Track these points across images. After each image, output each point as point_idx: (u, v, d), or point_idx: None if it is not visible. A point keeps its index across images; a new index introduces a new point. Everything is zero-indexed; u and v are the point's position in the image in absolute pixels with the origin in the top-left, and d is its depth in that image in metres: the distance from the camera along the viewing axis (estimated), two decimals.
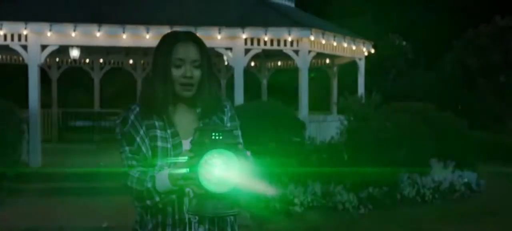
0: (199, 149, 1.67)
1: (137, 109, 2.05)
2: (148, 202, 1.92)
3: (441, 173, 9.65)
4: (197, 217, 1.95)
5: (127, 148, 2.02)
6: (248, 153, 2.01)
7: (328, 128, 11.15)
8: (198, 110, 2.08)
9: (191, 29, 10.00)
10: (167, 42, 2.03)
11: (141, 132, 2.01)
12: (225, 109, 2.15)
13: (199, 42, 2.04)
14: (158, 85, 2.00)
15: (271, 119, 8.49)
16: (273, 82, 17.87)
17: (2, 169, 8.55)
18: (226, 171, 1.62)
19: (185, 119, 2.08)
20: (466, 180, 9.76)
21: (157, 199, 1.90)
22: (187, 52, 2.00)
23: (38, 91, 10.16)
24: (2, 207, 7.90)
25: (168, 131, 2.02)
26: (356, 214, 8.09)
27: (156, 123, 2.02)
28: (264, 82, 16.63)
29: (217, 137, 1.66)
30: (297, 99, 11.21)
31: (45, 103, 13.88)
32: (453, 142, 10.70)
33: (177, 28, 9.88)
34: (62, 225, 6.83)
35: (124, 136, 2.03)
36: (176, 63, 1.99)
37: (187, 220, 1.98)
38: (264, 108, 9.02)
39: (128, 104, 2.12)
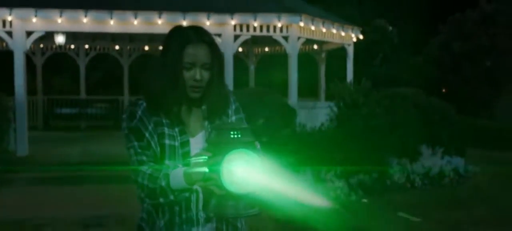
0: (218, 148, 1.62)
1: (144, 105, 1.99)
2: (161, 199, 1.89)
3: (431, 159, 9.70)
4: (204, 215, 1.93)
5: (136, 143, 1.96)
6: (258, 145, 1.98)
7: (318, 114, 11.15)
8: (204, 107, 2.04)
9: (179, 15, 9.91)
10: (177, 42, 1.96)
11: (150, 128, 1.97)
12: (230, 103, 2.12)
13: (210, 42, 1.98)
14: (168, 87, 1.95)
15: (262, 106, 8.44)
16: (260, 68, 17.82)
17: None
18: (248, 171, 1.57)
19: (191, 117, 2.05)
20: (454, 166, 9.81)
21: (172, 197, 1.87)
22: (198, 55, 1.94)
23: (24, 78, 10.00)
24: None
25: (176, 129, 1.99)
26: (347, 200, 8.10)
27: (164, 120, 1.99)
28: (252, 68, 16.58)
29: (235, 136, 1.61)
30: (284, 85, 11.18)
31: (30, 90, 13.69)
32: (441, 127, 10.76)
33: (166, 15, 9.84)
34: (54, 216, 6.74)
35: (132, 131, 1.97)
36: (186, 66, 1.94)
37: (194, 218, 1.97)
38: (255, 95, 8.96)
39: (133, 98, 2.11)
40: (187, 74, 1.94)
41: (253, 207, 1.65)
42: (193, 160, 1.78)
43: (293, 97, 10.82)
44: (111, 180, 8.09)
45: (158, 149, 1.96)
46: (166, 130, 1.97)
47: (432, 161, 9.65)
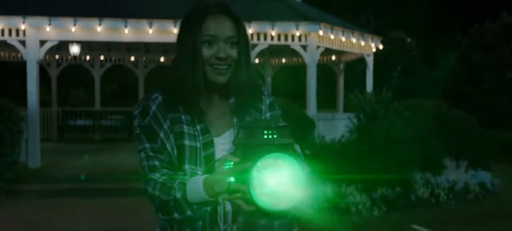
0: (247, 152, 1.28)
1: (160, 98, 1.65)
2: (175, 215, 1.53)
3: (455, 173, 9.31)
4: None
5: (147, 145, 1.62)
6: (298, 148, 1.56)
7: (337, 126, 10.82)
8: (232, 100, 1.69)
9: None
10: (195, 15, 1.63)
11: (165, 126, 1.63)
12: (263, 97, 1.76)
13: (234, 16, 1.64)
14: (186, 69, 1.60)
15: (282, 117, 8.13)
16: (277, 79, 17.55)
17: None
18: (286, 182, 1.23)
19: (216, 112, 1.69)
20: (480, 180, 9.42)
21: (189, 212, 1.51)
22: (220, 26, 1.60)
23: (37, 89, 9.80)
24: (0, 210, 7.56)
25: (197, 127, 1.64)
26: (370, 215, 7.76)
27: (183, 117, 1.64)
28: (268, 79, 16.30)
29: (270, 136, 1.27)
30: (301, 96, 10.86)
31: (44, 101, 13.54)
32: (464, 140, 10.38)
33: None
34: (62, 230, 6.49)
35: (144, 130, 1.63)
36: (207, 40, 1.59)
37: None
38: None
39: (148, 93, 1.73)
40: (208, 52, 1.59)
41: (291, 228, 1.31)
42: (217, 166, 1.44)
43: (312, 109, 10.50)
44: (124, 193, 7.83)
45: (175, 151, 1.62)
46: (185, 128, 1.63)
47: (456, 174, 9.28)
